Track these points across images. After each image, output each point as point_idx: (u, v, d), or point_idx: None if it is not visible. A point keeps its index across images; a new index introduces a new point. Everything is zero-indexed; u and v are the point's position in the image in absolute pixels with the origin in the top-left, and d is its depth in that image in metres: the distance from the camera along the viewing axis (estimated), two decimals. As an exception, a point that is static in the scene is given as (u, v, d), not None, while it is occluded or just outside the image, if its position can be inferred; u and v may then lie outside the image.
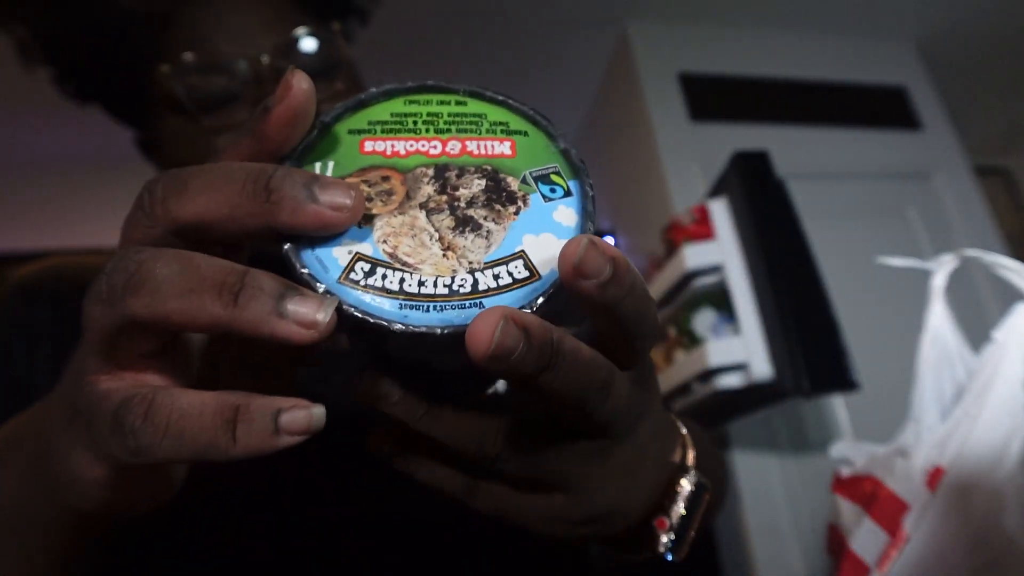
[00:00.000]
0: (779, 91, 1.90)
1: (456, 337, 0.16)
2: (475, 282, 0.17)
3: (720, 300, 1.24)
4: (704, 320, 1.25)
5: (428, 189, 0.18)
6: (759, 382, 1.12)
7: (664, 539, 0.27)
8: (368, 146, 0.19)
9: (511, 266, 0.18)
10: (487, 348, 0.16)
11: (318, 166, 0.18)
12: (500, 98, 0.21)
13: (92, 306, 0.17)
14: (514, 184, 0.19)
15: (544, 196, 0.19)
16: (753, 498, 1.41)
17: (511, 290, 0.18)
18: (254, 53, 0.40)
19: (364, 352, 0.20)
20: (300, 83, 0.18)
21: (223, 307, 0.16)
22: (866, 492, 0.50)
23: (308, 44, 0.42)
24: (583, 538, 0.25)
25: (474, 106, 0.20)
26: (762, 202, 1.18)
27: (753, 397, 1.17)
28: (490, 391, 0.23)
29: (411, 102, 0.20)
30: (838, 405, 1.48)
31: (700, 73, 1.87)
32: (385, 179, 0.18)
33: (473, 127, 0.19)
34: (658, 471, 0.27)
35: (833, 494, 0.59)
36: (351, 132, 0.19)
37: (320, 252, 0.17)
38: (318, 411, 0.17)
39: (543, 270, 0.18)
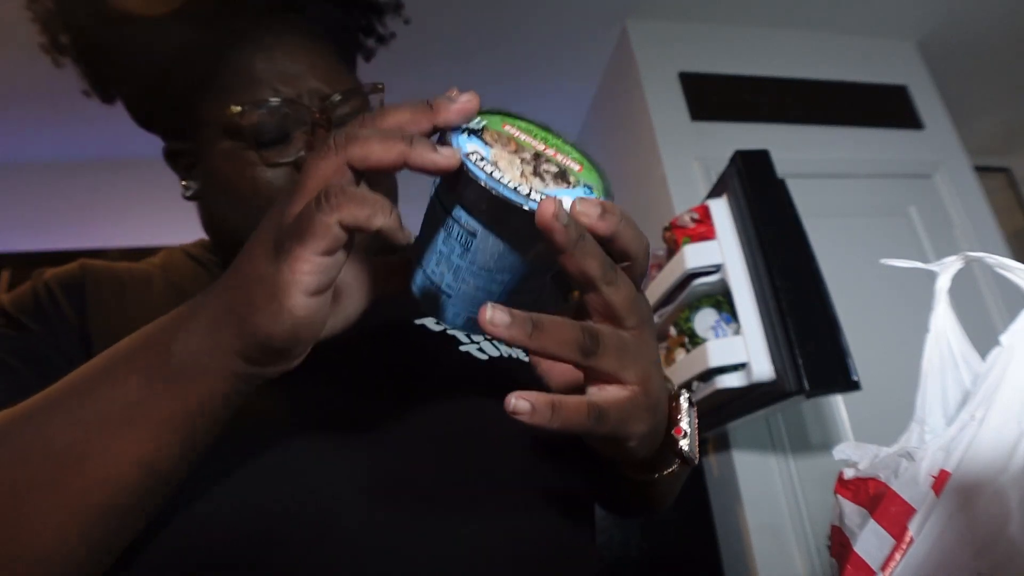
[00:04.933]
0: (780, 90, 1.89)
1: (527, 214, 0.29)
2: (531, 196, 0.30)
3: (720, 300, 1.24)
4: (704, 320, 1.25)
5: (527, 155, 0.32)
6: (760, 382, 1.12)
7: (683, 444, 0.37)
8: (507, 127, 0.34)
9: None
10: (555, 211, 0.27)
11: (481, 122, 0.33)
12: (582, 150, 0.36)
13: (318, 161, 0.30)
14: (573, 180, 0.33)
15: (584, 191, 0.33)
16: (753, 498, 1.41)
17: None
18: (309, 103, 0.49)
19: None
20: (474, 102, 0.31)
21: (405, 146, 0.29)
22: (870, 494, 0.50)
23: (350, 105, 0.51)
24: (654, 434, 0.35)
25: (566, 145, 0.35)
26: (763, 202, 1.18)
27: (753, 397, 1.17)
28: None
29: (537, 127, 0.35)
30: (838, 405, 1.48)
31: (700, 72, 1.87)
32: (508, 141, 0.33)
33: (565, 150, 0.34)
34: (666, 383, 0.37)
35: (836, 495, 0.58)
36: (500, 118, 0.34)
37: (459, 141, 0.31)
38: (401, 226, 0.30)
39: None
